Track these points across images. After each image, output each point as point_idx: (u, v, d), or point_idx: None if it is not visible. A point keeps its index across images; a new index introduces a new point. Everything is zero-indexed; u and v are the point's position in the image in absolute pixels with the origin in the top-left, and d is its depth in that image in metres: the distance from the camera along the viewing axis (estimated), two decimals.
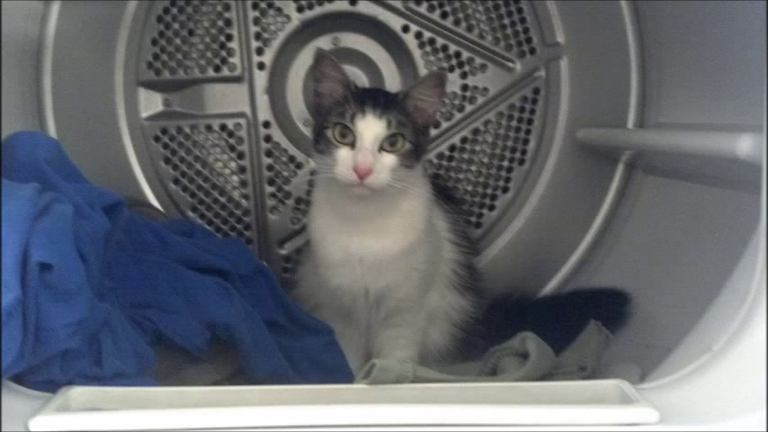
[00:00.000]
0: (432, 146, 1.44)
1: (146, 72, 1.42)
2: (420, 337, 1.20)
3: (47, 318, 0.74)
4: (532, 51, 1.45)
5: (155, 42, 1.41)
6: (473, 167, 1.49)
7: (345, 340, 1.16)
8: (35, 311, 0.73)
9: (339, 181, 1.03)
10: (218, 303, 0.98)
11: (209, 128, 1.46)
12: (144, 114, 1.43)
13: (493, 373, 0.96)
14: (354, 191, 1.03)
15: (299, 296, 1.25)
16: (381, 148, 1.04)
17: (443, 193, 1.21)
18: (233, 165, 1.47)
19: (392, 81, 1.45)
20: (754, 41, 0.90)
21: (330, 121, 1.05)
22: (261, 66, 1.44)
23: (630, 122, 1.37)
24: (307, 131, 1.45)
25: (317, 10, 1.43)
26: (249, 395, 0.80)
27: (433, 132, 1.44)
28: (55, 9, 1.30)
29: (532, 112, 1.46)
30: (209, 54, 1.44)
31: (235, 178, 1.47)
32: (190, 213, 1.46)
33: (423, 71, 1.44)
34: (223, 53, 1.44)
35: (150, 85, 1.43)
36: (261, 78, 1.45)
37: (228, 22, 1.43)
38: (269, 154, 1.46)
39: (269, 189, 1.47)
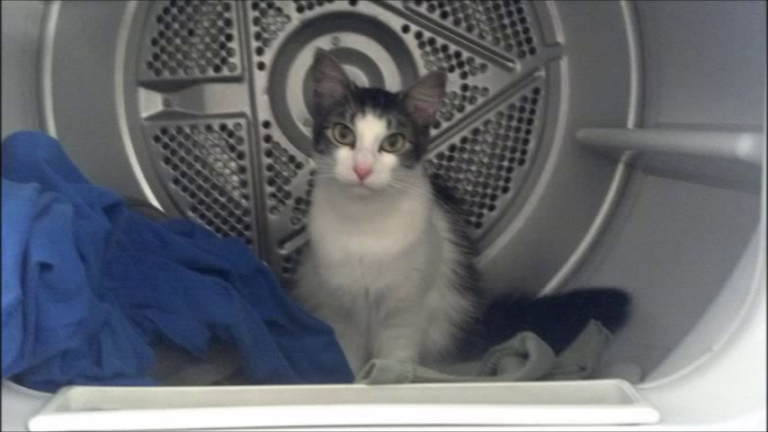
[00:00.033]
0: (432, 146, 1.44)
1: (146, 72, 1.42)
2: (420, 337, 1.20)
3: (47, 318, 0.74)
4: (532, 51, 1.45)
5: (155, 42, 1.41)
6: (473, 167, 1.49)
7: (345, 340, 1.16)
8: (35, 311, 0.73)
9: (339, 181, 1.03)
10: (218, 303, 0.98)
11: (209, 128, 1.46)
12: (144, 114, 1.43)
13: (493, 373, 0.96)
14: (354, 191, 1.03)
15: (299, 296, 1.25)
16: (381, 148, 1.04)
17: (443, 193, 1.21)
18: (233, 165, 1.47)
19: (392, 81, 1.45)
20: (754, 41, 0.90)
21: (330, 121, 1.05)
22: (261, 66, 1.44)
23: (630, 122, 1.37)
24: (307, 131, 1.45)
25: (317, 10, 1.43)
26: (249, 395, 0.80)
27: (433, 132, 1.44)
28: (55, 9, 1.30)
29: (532, 112, 1.46)
30: (209, 54, 1.44)
31: (235, 178, 1.47)
32: (190, 213, 1.46)
33: (423, 71, 1.44)
34: (223, 53, 1.44)
35: (150, 85, 1.43)
36: (261, 78, 1.45)
37: (228, 22, 1.43)
38: (269, 154, 1.46)
39: (269, 189, 1.47)
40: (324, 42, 1.44)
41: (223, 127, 1.46)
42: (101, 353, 0.82)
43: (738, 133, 0.91)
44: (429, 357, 1.21)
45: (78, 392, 0.76)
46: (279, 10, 1.44)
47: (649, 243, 1.33)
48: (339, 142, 1.04)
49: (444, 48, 1.45)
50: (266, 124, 1.46)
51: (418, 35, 1.44)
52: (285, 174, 1.47)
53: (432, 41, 1.45)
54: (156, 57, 1.42)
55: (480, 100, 1.47)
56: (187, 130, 1.45)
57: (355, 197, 1.05)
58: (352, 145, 1.03)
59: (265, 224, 1.47)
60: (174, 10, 1.42)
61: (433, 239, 1.16)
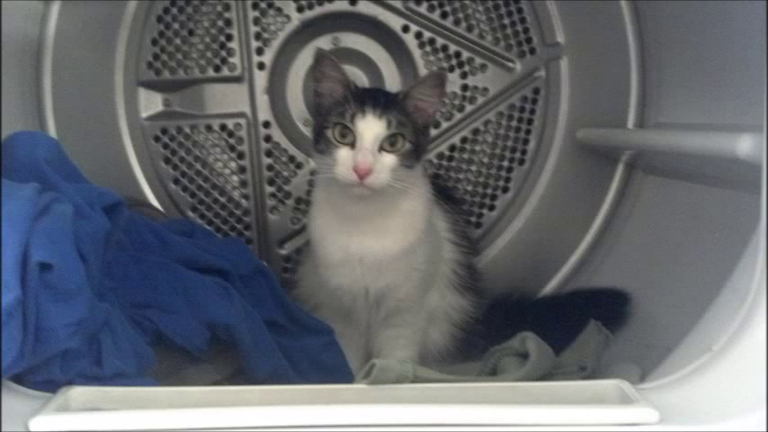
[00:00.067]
0: (432, 146, 1.44)
1: (146, 72, 1.42)
2: (420, 337, 1.20)
3: (47, 318, 0.74)
4: (532, 51, 1.45)
5: (155, 42, 1.41)
6: (473, 167, 1.49)
7: (345, 340, 1.16)
8: (35, 311, 0.73)
9: (339, 181, 1.03)
10: (218, 303, 0.98)
11: (209, 128, 1.46)
12: (144, 114, 1.43)
13: (493, 373, 0.96)
14: (354, 191, 1.03)
15: (299, 296, 1.25)
16: (381, 148, 1.04)
17: (443, 193, 1.21)
18: (233, 165, 1.47)
19: (392, 81, 1.45)
20: (754, 41, 0.90)
21: (330, 121, 1.05)
22: (261, 66, 1.44)
23: (630, 122, 1.37)
24: (307, 131, 1.45)
25: (317, 10, 1.43)
26: (249, 395, 0.80)
27: (433, 132, 1.44)
28: (55, 9, 1.30)
29: (532, 112, 1.47)
30: (209, 54, 1.44)
31: (235, 178, 1.47)
32: (190, 213, 1.46)
33: (423, 71, 1.44)
34: (223, 53, 1.44)
35: (150, 85, 1.43)
36: (261, 78, 1.45)
37: (228, 22, 1.43)
38: (269, 154, 1.46)
39: (269, 189, 1.47)
40: (324, 42, 1.44)
41: (223, 127, 1.46)
42: (101, 353, 0.82)
43: (738, 133, 0.91)
44: (429, 357, 1.21)
45: (78, 392, 0.76)
46: (279, 10, 1.44)
47: (649, 243, 1.33)
48: (339, 142, 1.04)
49: (444, 48, 1.45)
50: (266, 124, 1.46)
51: (418, 35, 1.44)
52: (285, 174, 1.47)
53: (432, 41, 1.45)
54: (156, 57, 1.42)
55: (480, 100, 1.47)
56: (187, 130, 1.45)
57: (355, 197, 1.05)
58: (352, 145, 1.03)
59: (265, 224, 1.47)
60: (174, 10, 1.42)
61: (433, 239, 1.16)
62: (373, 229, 1.09)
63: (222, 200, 1.47)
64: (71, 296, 0.76)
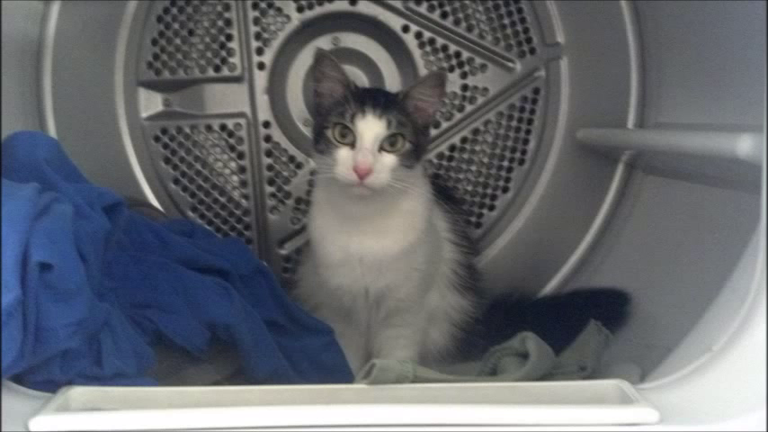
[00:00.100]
0: (432, 146, 1.44)
1: (146, 72, 1.42)
2: (420, 337, 1.20)
3: (47, 318, 0.74)
4: (532, 51, 1.45)
5: (155, 42, 1.41)
6: (473, 167, 1.49)
7: (345, 340, 1.16)
8: (35, 311, 0.73)
9: (339, 181, 1.03)
10: (218, 303, 0.98)
11: (209, 128, 1.46)
12: (144, 114, 1.43)
13: (493, 373, 0.96)
14: (354, 191, 1.03)
15: (299, 296, 1.25)
16: (381, 148, 1.04)
17: (443, 193, 1.21)
18: (233, 165, 1.47)
19: (392, 81, 1.45)
20: (754, 41, 0.90)
21: (330, 121, 1.05)
22: (261, 66, 1.44)
23: (630, 122, 1.37)
24: (307, 131, 1.45)
25: (317, 10, 1.43)
26: (249, 395, 0.80)
27: (433, 132, 1.44)
28: (55, 9, 1.30)
29: (532, 112, 1.46)
30: (209, 54, 1.44)
31: (235, 178, 1.47)
32: (190, 213, 1.46)
33: (423, 71, 1.44)
34: (223, 53, 1.44)
35: (150, 85, 1.43)
36: (261, 78, 1.45)
37: (228, 22, 1.43)
38: (269, 154, 1.46)
39: (269, 189, 1.47)
40: (324, 42, 1.44)
41: (223, 127, 1.46)
42: (101, 353, 0.82)
43: (738, 133, 0.91)
44: (429, 357, 1.21)
45: (78, 392, 0.76)
46: (279, 10, 1.44)
47: (649, 243, 1.33)
48: (339, 142, 1.04)
49: (444, 48, 1.45)
50: (266, 124, 1.46)
51: (418, 35, 1.44)
52: (285, 174, 1.47)
53: (432, 41, 1.45)
54: (156, 57, 1.42)
55: (480, 100, 1.46)
56: (187, 130, 1.45)
57: (355, 197, 1.05)
58: (352, 145, 1.03)
59: (265, 224, 1.47)
60: (174, 10, 1.42)
61: (433, 239, 1.16)
62: (373, 229, 1.09)
63: (222, 200, 1.47)
64: (71, 296, 0.76)
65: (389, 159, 1.04)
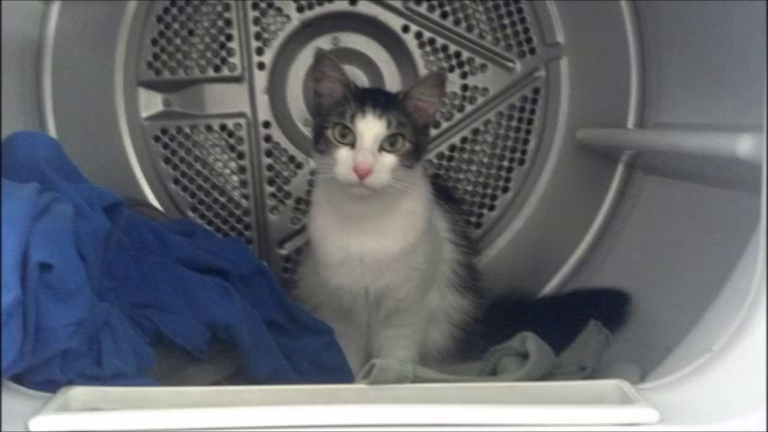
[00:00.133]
0: (432, 146, 1.44)
1: (146, 72, 1.42)
2: (420, 337, 1.20)
3: (47, 318, 0.74)
4: (532, 51, 1.45)
5: (155, 42, 1.41)
6: (473, 167, 1.49)
7: (345, 340, 1.16)
8: (35, 311, 0.73)
9: (339, 181, 1.03)
10: (218, 303, 0.98)
11: (209, 128, 1.46)
12: (144, 114, 1.43)
13: (493, 373, 0.96)
14: (354, 191, 1.03)
15: (299, 296, 1.25)
16: (381, 148, 1.04)
17: (443, 193, 1.21)
18: (233, 165, 1.47)
19: (392, 81, 1.45)
20: (754, 41, 0.90)
21: (330, 121, 1.05)
22: (261, 66, 1.44)
23: (630, 122, 1.37)
24: (307, 131, 1.45)
25: (317, 10, 1.43)
26: (249, 395, 0.80)
27: (433, 132, 1.44)
28: (55, 9, 1.30)
29: (532, 112, 1.47)
30: (209, 54, 1.44)
31: (235, 178, 1.47)
32: (190, 213, 1.46)
33: (423, 71, 1.44)
34: (223, 53, 1.44)
35: (150, 85, 1.43)
36: (261, 78, 1.45)
37: (228, 22, 1.43)
38: (269, 154, 1.46)
39: (269, 189, 1.47)
40: (324, 42, 1.44)
41: (223, 127, 1.46)
42: (101, 353, 0.82)
43: (738, 133, 0.91)
44: (429, 357, 1.21)
45: (78, 392, 0.76)
46: (279, 10, 1.44)
47: (649, 243, 1.33)
48: (339, 142, 1.04)
49: (444, 48, 1.45)
50: (266, 124, 1.46)
51: (418, 35, 1.44)
52: (285, 174, 1.47)
53: (432, 41, 1.45)
54: (156, 57, 1.42)
55: (480, 100, 1.47)
56: (187, 130, 1.45)
57: (355, 197, 1.05)
58: (352, 145, 1.03)
59: (265, 224, 1.47)
60: (174, 10, 1.42)
61: (433, 239, 1.16)
62: (373, 229, 1.09)
63: (222, 200, 1.47)
64: (71, 296, 0.76)
65: (389, 159, 1.04)
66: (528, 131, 1.47)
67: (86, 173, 1.00)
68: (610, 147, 1.41)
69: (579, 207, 1.45)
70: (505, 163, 1.48)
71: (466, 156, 1.48)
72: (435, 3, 1.44)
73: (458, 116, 1.47)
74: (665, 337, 0.94)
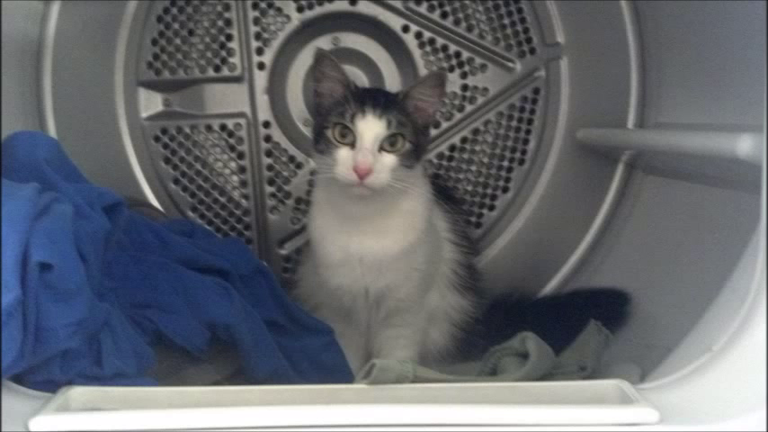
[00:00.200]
0: (432, 146, 1.44)
1: (146, 72, 1.42)
2: (420, 337, 1.20)
3: (47, 318, 0.74)
4: (532, 51, 1.45)
5: (155, 42, 1.41)
6: (473, 167, 1.49)
7: (345, 340, 1.16)
8: (35, 311, 0.73)
9: (339, 181, 1.03)
10: (218, 303, 0.98)
11: (209, 128, 1.46)
12: (144, 114, 1.43)
13: (493, 373, 0.96)
14: (354, 191, 1.03)
15: (299, 296, 1.25)
16: (381, 148, 1.04)
17: (443, 193, 1.21)
18: (233, 165, 1.47)
19: (392, 81, 1.45)
20: (754, 41, 0.90)
21: (330, 121, 1.05)
22: (261, 66, 1.44)
23: (630, 122, 1.37)
24: (307, 131, 1.45)
25: (317, 10, 1.43)
26: (249, 395, 0.80)
27: (433, 132, 1.44)
28: (55, 9, 1.30)
29: (532, 112, 1.47)
30: (209, 54, 1.44)
31: (235, 178, 1.47)
32: (190, 213, 1.46)
33: (423, 71, 1.44)
34: (223, 53, 1.44)
35: (150, 85, 1.43)
36: (261, 78, 1.45)
37: (228, 22, 1.43)
38: (269, 154, 1.46)
39: (269, 189, 1.47)
40: (324, 42, 1.44)
41: (223, 127, 1.46)
42: (101, 353, 0.82)
43: (738, 133, 0.91)
44: (429, 357, 1.21)
45: (78, 392, 0.76)
46: (279, 10, 1.44)
47: (649, 243, 1.33)
48: (339, 142, 1.04)
49: (444, 48, 1.45)
50: (266, 124, 1.46)
51: (418, 35, 1.44)
52: (285, 174, 1.47)
53: (432, 41, 1.45)
54: (156, 57, 1.42)
55: (480, 100, 1.47)
56: (187, 130, 1.45)
57: (355, 197, 1.05)
58: (352, 145, 1.03)
59: (265, 224, 1.47)
60: (174, 10, 1.42)
61: (433, 239, 1.16)
62: (373, 229, 1.09)
63: (222, 200, 1.47)
64: (71, 296, 0.76)
65: (389, 159, 1.04)
66: (528, 131, 1.47)
67: (86, 173, 1.00)
68: (610, 147, 1.41)
69: (579, 207, 1.45)
70: (505, 163, 1.48)
71: (466, 156, 1.48)
72: (435, 3, 1.44)
73: (458, 116, 1.47)
74: (665, 337, 0.94)
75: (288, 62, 1.46)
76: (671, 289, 1.18)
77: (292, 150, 1.46)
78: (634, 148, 1.35)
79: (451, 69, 1.45)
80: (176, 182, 1.46)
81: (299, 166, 1.46)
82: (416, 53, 1.45)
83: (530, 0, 1.43)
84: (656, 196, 1.35)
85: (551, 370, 0.95)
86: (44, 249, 0.74)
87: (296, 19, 1.43)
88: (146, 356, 0.89)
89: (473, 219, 1.48)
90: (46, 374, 0.77)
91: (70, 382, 0.78)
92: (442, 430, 0.70)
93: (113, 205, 0.93)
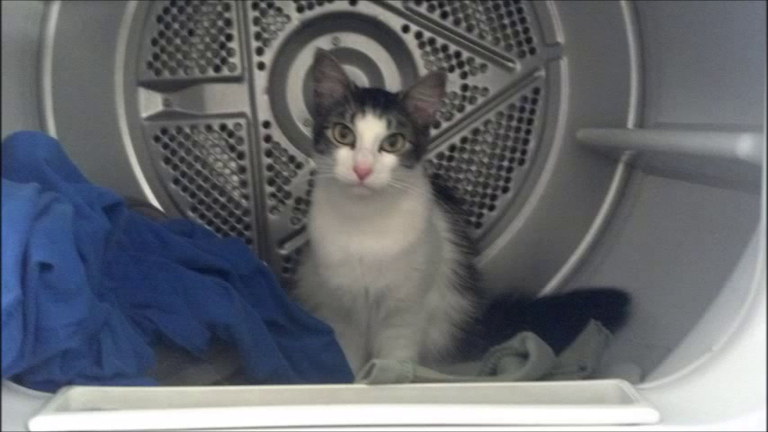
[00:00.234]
0: (432, 146, 1.44)
1: (146, 72, 1.42)
2: (420, 337, 1.20)
3: (47, 318, 0.74)
4: (532, 51, 1.45)
5: (155, 42, 1.41)
6: (473, 167, 1.49)
7: (345, 340, 1.16)
8: (35, 311, 0.73)
9: (339, 181, 1.03)
10: (218, 303, 0.98)
11: (209, 128, 1.46)
12: (144, 114, 1.43)
13: (493, 373, 0.96)
14: (354, 191, 1.03)
15: (299, 296, 1.25)
16: (381, 148, 1.04)
17: (443, 193, 1.21)
18: (233, 165, 1.47)
19: (392, 81, 1.45)
20: (754, 41, 0.90)
21: (330, 121, 1.05)
22: (261, 66, 1.44)
23: (630, 122, 1.37)
24: (307, 131, 1.45)
25: (317, 10, 1.43)
26: (249, 395, 0.80)
27: (433, 132, 1.44)
28: (55, 9, 1.30)
29: (532, 112, 1.47)
30: (209, 54, 1.44)
31: (235, 178, 1.47)
32: (190, 213, 1.46)
33: (423, 71, 1.44)
34: (223, 53, 1.44)
35: (150, 85, 1.43)
36: (261, 78, 1.45)
37: (228, 22, 1.43)
38: (269, 154, 1.46)
39: (269, 189, 1.47)
40: (324, 42, 1.44)
41: (223, 127, 1.46)
42: (101, 353, 0.82)
43: (738, 133, 0.91)
44: (429, 357, 1.21)
45: (78, 392, 0.76)
46: (279, 10, 1.44)
47: (649, 243, 1.33)
48: (339, 142, 1.04)
49: (444, 48, 1.45)
50: (266, 124, 1.46)
51: (418, 35, 1.44)
52: (285, 174, 1.47)
53: (432, 41, 1.45)
54: (156, 57, 1.42)
55: (480, 100, 1.47)
56: (187, 130, 1.45)
57: (355, 197, 1.05)
58: (352, 145, 1.03)
59: (265, 224, 1.47)
60: (174, 10, 1.42)
61: (433, 239, 1.16)
62: (373, 229, 1.09)
63: (222, 200, 1.47)
64: (71, 296, 0.76)
65: (389, 159, 1.04)
66: (528, 131, 1.47)
67: (86, 173, 1.00)
68: (610, 147, 1.41)
69: (579, 207, 1.45)
70: (505, 163, 1.48)
71: (466, 156, 1.48)
72: (435, 3, 1.44)
73: (458, 116, 1.47)
74: (665, 337, 0.94)
75: (288, 62, 1.46)
76: (671, 289, 1.18)
77: (292, 150, 1.46)
78: (634, 148, 1.35)
79: (451, 69, 1.45)
80: (176, 182, 1.46)
81: (299, 166, 1.46)
82: (416, 53, 1.45)
83: (530, 0, 1.43)
84: (656, 196, 1.35)
85: (551, 370, 0.95)
86: (44, 249, 0.74)
87: (296, 19, 1.43)
88: (146, 356, 0.89)
89: (473, 219, 1.48)
90: (46, 374, 0.77)
91: (70, 382, 0.78)
92: (442, 430, 0.70)
93: (113, 205, 0.93)
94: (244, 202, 1.47)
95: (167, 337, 0.93)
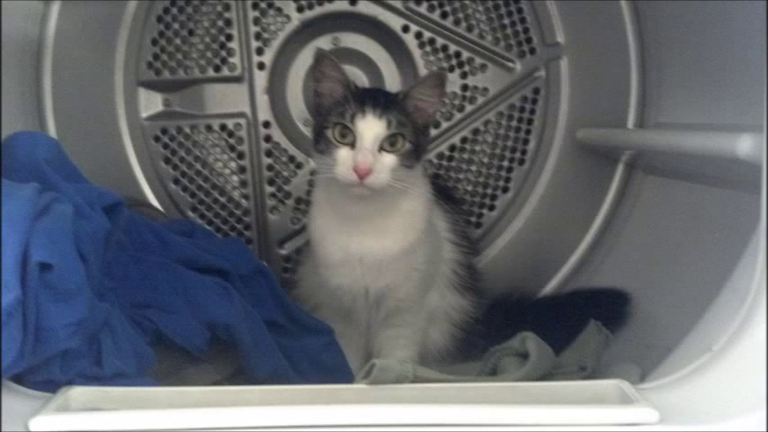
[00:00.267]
0: (432, 146, 1.44)
1: (146, 72, 1.42)
2: (420, 337, 1.20)
3: (47, 318, 0.74)
4: (532, 51, 1.45)
5: (155, 42, 1.41)
6: (473, 167, 1.49)
7: (345, 340, 1.16)
8: (35, 311, 0.73)
9: (339, 181, 1.03)
10: (218, 303, 0.98)
11: (209, 128, 1.46)
12: (144, 114, 1.43)
13: (493, 373, 0.96)
14: (354, 191, 1.03)
15: (299, 296, 1.25)
16: (381, 148, 1.04)
17: (443, 193, 1.21)
18: (233, 165, 1.47)
19: (392, 81, 1.45)
20: (754, 41, 0.90)
21: (330, 121, 1.05)
22: (261, 66, 1.44)
23: (630, 122, 1.37)
24: (307, 131, 1.45)
25: (317, 10, 1.43)
26: (249, 395, 0.80)
27: (433, 132, 1.44)
28: (55, 9, 1.30)
29: (532, 112, 1.47)
30: (209, 54, 1.44)
31: (235, 178, 1.47)
32: (190, 213, 1.46)
33: (423, 71, 1.44)
34: (223, 53, 1.44)
35: (150, 85, 1.43)
36: (261, 78, 1.45)
37: (228, 22, 1.43)
38: (269, 154, 1.46)
39: (269, 189, 1.47)
40: (324, 42, 1.44)
41: (223, 127, 1.46)
42: (101, 353, 0.82)
43: (738, 133, 0.91)
44: (429, 357, 1.21)
45: (78, 392, 0.76)
46: (279, 10, 1.44)
47: (649, 243, 1.33)
48: (339, 142, 1.04)
49: (444, 48, 1.45)
50: (266, 124, 1.46)
51: (418, 35, 1.44)
52: (285, 174, 1.47)
53: (432, 41, 1.45)
54: (156, 57, 1.42)
55: (480, 100, 1.47)
56: (187, 130, 1.45)
57: (355, 197, 1.05)
58: (352, 145, 1.03)
59: (265, 224, 1.47)
60: (174, 10, 1.42)
61: (433, 239, 1.16)
62: (373, 229, 1.09)
63: (222, 200, 1.47)
64: (71, 296, 0.76)
65: (389, 159, 1.04)
66: (528, 131, 1.47)
67: (86, 173, 1.00)
68: (610, 147, 1.41)
69: (579, 207, 1.45)
70: (505, 163, 1.48)
71: (466, 156, 1.48)
72: (435, 3, 1.44)
73: (458, 116, 1.47)
74: (665, 337, 0.94)
75: (288, 62, 1.46)
76: (671, 289, 1.18)
77: (292, 150, 1.46)
78: (634, 148, 1.35)
79: (451, 69, 1.45)
80: (176, 182, 1.46)
81: (299, 166, 1.46)
82: (416, 53, 1.45)
83: (530, 0, 1.43)
84: (656, 196, 1.35)
85: (551, 370, 0.95)
86: (44, 249, 0.74)
87: (296, 19, 1.43)
88: (146, 356, 0.89)
89: (473, 219, 1.48)
90: (46, 374, 0.77)
91: (70, 382, 0.78)
92: (442, 430, 0.70)
93: (113, 205, 0.93)
94: (244, 202, 1.47)
95: (167, 337, 0.93)
